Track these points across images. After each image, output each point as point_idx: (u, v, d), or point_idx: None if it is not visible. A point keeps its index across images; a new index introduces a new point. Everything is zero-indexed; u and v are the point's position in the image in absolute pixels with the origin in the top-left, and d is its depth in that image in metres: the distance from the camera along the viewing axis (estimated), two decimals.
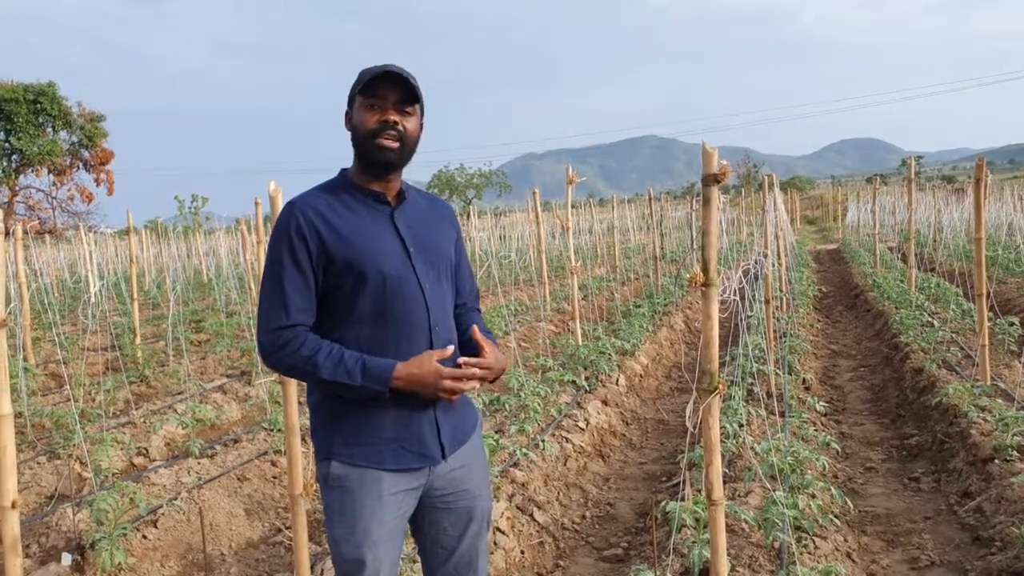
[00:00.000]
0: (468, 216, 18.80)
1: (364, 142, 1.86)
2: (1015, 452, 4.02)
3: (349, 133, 1.91)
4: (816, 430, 4.89)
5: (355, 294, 1.83)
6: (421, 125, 1.93)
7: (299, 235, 1.82)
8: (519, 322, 9.51)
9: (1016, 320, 6.79)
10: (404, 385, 1.80)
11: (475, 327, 1.95)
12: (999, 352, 6.44)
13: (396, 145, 1.86)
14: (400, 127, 1.86)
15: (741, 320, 5.60)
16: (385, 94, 1.85)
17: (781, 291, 8.87)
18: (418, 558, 3.02)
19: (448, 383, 1.81)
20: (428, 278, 1.90)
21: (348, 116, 1.92)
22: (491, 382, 1.95)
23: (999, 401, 4.86)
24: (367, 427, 1.84)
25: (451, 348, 1.86)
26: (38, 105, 35.38)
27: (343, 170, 1.97)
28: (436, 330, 1.88)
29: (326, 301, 1.87)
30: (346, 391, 1.81)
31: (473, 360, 1.87)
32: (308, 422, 5.21)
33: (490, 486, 2.09)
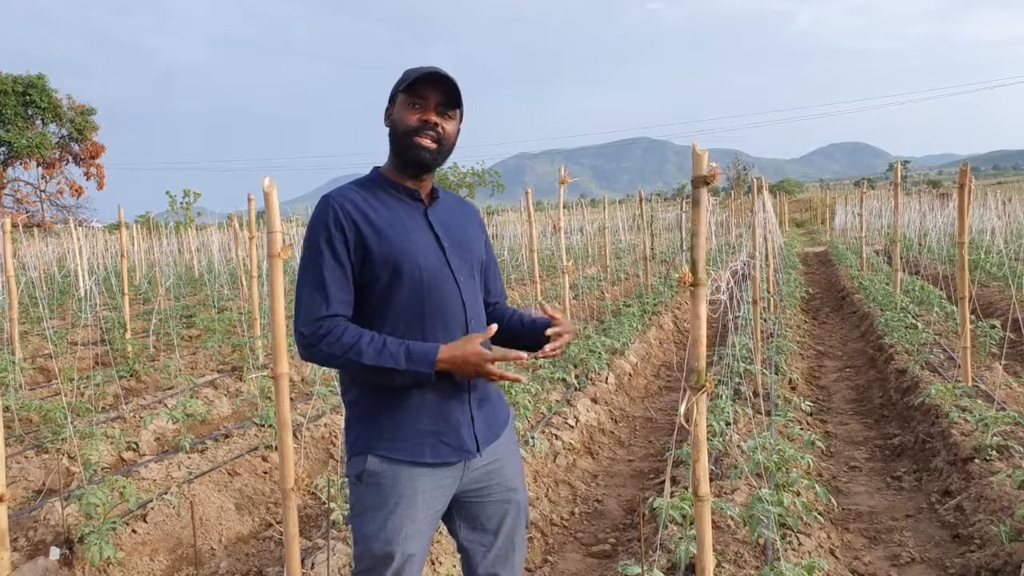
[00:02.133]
0: None
1: (402, 139, 1.88)
2: (994, 452, 4.10)
3: (388, 129, 1.93)
4: (801, 429, 4.96)
5: (392, 288, 1.84)
6: (459, 130, 1.96)
7: (337, 227, 1.83)
8: None
9: (997, 323, 6.89)
10: (448, 367, 1.81)
11: (541, 303, 2.00)
12: (980, 354, 6.54)
13: (434, 146, 1.88)
14: (439, 128, 1.88)
15: (729, 320, 5.66)
16: (427, 94, 1.87)
17: (769, 292, 8.95)
18: (435, 561, 3.06)
19: (492, 368, 1.82)
20: (463, 273, 1.93)
21: (388, 112, 1.93)
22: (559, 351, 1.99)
23: (980, 402, 4.94)
24: (406, 421, 1.85)
25: (494, 327, 1.86)
26: (27, 97, 35.07)
27: (376, 168, 1.99)
28: (472, 324, 1.90)
29: (361, 296, 1.87)
30: (389, 377, 1.80)
31: (559, 327, 1.91)
32: (299, 418, 5.21)
33: (524, 479, 2.09)
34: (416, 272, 1.85)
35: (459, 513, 1.97)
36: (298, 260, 1.99)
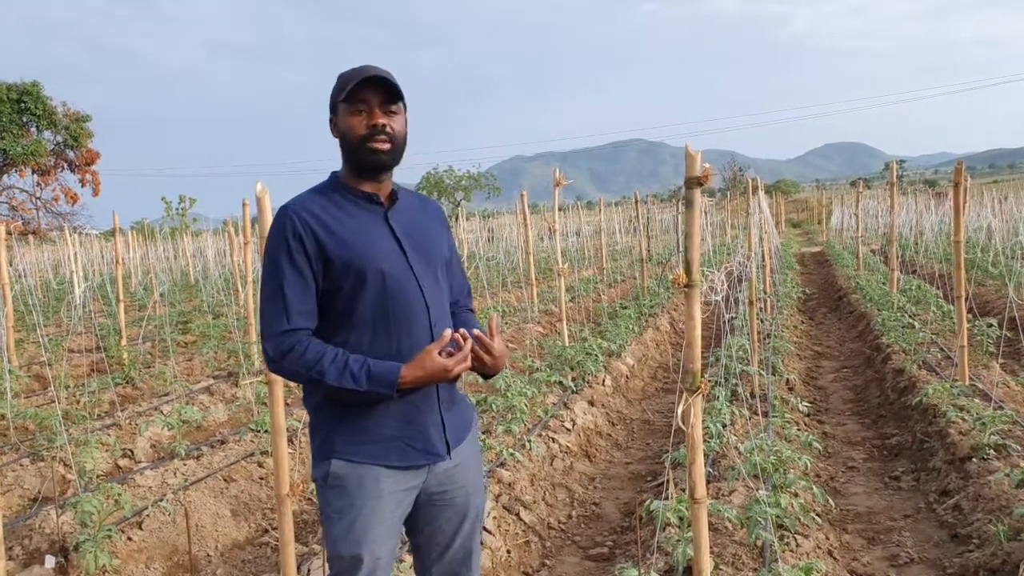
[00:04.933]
0: (457, 218, 18.85)
1: (356, 147, 1.87)
2: (992, 451, 4.10)
3: (337, 140, 1.91)
4: (799, 430, 4.95)
5: (355, 295, 1.83)
6: (406, 121, 1.94)
7: (296, 237, 1.82)
8: (507, 323, 9.54)
9: (994, 321, 6.89)
10: (413, 385, 1.81)
11: (494, 316, 1.96)
12: (977, 353, 6.54)
13: (388, 147, 1.86)
14: (389, 128, 1.86)
15: (725, 322, 5.66)
16: (368, 97, 1.85)
17: (765, 293, 8.95)
18: (404, 557, 3.05)
19: (457, 369, 1.82)
20: (426, 277, 1.91)
21: (333, 123, 1.91)
22: (487, 377, 1.96)
23: (977, 401, 4.94)
24: (371, 425, 1.85)
25: (448, 332, 1.84)
26: (22, 104, 34.99)
27: (334, 173, 1.97)
28: (436, 327, 1.89)
29: (325, 304, 1.86)
30: (352, 396, 1.81)
31: (487, 340, 1.87)
32: (295, 424, 5.17)
33: (484, 483, 2.10)
34: (379, 278, 1.84)
35: (419, 515, 1.97)
36: None
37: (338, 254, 1.82)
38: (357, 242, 1.84)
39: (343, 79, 1.86)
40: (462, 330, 1.87)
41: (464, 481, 1.97)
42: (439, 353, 1.81)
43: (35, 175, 37.91)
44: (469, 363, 1.85)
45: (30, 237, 26.82)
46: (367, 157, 1.87)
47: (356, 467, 1.84)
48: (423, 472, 1.90)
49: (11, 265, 10.08)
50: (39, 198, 38.93)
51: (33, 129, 36.41)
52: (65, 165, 38.84)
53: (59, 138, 37.52)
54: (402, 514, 1.91)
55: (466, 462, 1.99)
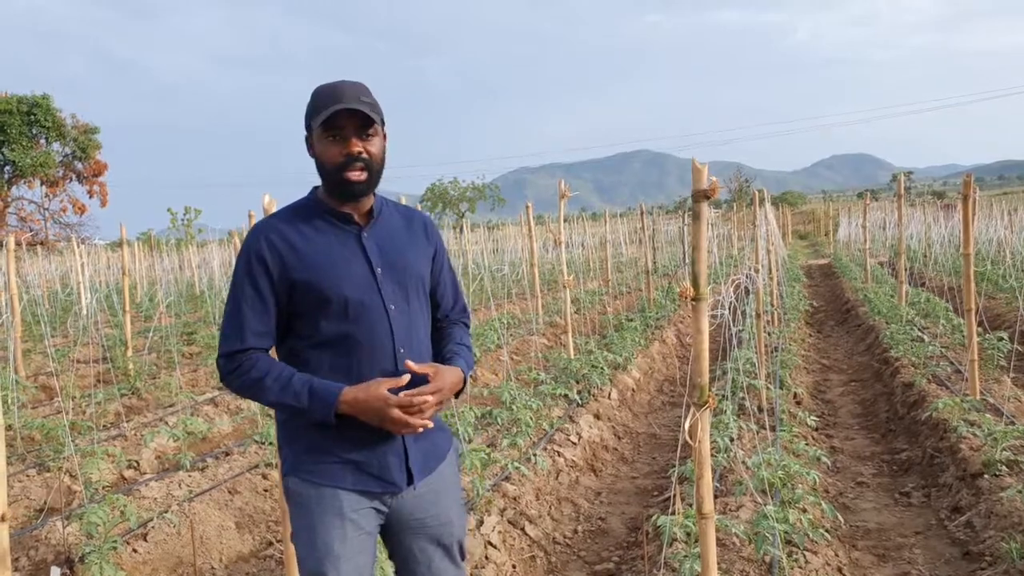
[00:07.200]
0: (461, 229, 18.87)
1: (331, 175, 1.84)
2: (1004, 467, 4.05)
3: (313, 160, 1.87)
4: (807, 444, 4.91)
5: (318, 317, 1.82)
6: (384, 136, 1.90)
7: (259, 259, 1.81)
8: (511, 335, 9.52)
9: (1005, 335, 6.84)
10: (350, 410, 1.75)
11: (408, 363, 1.82)
12: (988, 367, 6.48)
13: (364, 176, 1.83)
14: (365, 154, 1.82)
15: (733, 334, 5.63)
16: (343, 124, 1.80)
17: (772, 305, 8.92)
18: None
19: (396, 413, 1.74)
20: (395, 300, 1.86)
21: (309, 142, 1.87)
22: (457, 396, 1.91)
23: (988, 416, 4.89)
24: (328, 447, 1.82)
25: (406, 377, 1.78)
26: (32, 117, 35.40)
27: (314, 188, 1.94)
28: (401, 353, 1.83)
29: (293, 324, 1.85)
30: (296, 414, 1.80)
31: (417, 390, 1.78)
32: None
33: (463, 513, 2.04)
34: (341, 302, 1.81)
35: (392, 540, 1.95)
36: None
37: (302, 276, 1.81)
38: (323, 264, 1.82)
39: (318, 100, 1.81)
40: (406, 392, 1.77)
41: (436, 510, 1.92)
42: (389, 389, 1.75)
43: (44, 186, 38.27)
44: (420, 420, 1.76)
45: (38, 248, 26.99)
46: (343, 186, 1.84)
47: (312, 487, 1.83)
48: (386, 497, 1.86)
49: (19, 276, 10.13)
50: (47, 209, 39.26)
51: (42, 141, 36.79)
52: (73, 176, 39.19)
53: (68, 150, 37.89)
54: (367, 535, 1.86)
55: (439, 491, 1.93)
